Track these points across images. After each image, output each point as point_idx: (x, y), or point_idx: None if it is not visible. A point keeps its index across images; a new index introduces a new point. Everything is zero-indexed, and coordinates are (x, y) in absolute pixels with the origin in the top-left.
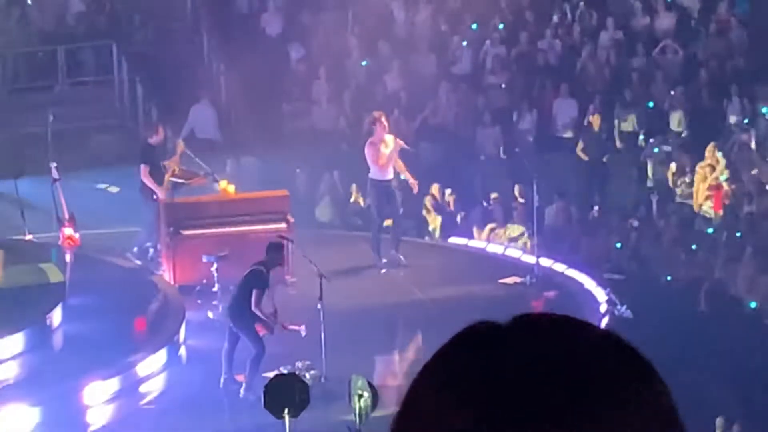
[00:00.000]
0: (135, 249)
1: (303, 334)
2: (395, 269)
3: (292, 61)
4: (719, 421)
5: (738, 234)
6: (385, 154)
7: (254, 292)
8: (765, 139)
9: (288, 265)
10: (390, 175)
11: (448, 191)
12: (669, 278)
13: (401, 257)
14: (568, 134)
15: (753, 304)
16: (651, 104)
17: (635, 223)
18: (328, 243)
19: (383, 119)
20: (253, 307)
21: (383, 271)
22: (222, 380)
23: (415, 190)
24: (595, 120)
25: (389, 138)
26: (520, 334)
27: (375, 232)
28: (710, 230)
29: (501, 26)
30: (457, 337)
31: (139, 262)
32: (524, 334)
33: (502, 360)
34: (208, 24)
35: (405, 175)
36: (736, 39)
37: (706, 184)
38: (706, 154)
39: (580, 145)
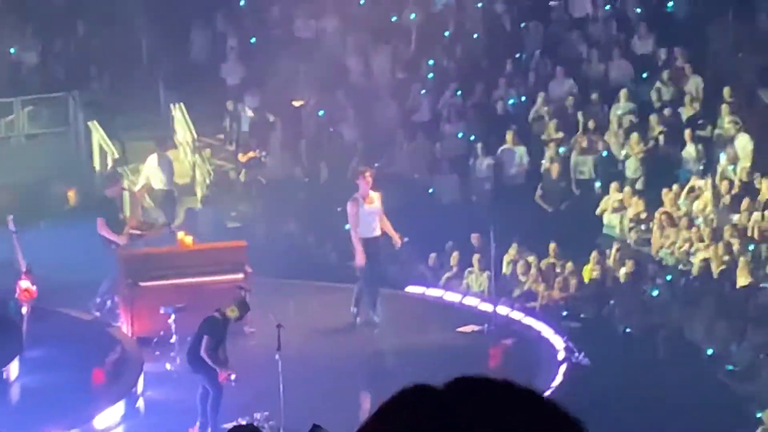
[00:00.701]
0: (97, 300)
1: (232, 377)
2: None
3: (250, 110)
4: None
5: (692, 280)
6: (367, 211)
7: (205, 338)
8: (719, 185)
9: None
10: (376, 232)
11: (405, 239)
12: (626, 326)
13: (376, 317)
14: (520, 181)
15: (710, 351)
16: (605, 153)
17: (595, 272)
18: (287, 293)
19: (367, 175)
20: (201, 352)
21: (358, 321)
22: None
23: (398, 245)
24: (554, 168)
25: (374, 194)
26: (455, 400)
27: (359, 289)
28: (668, 277)
29: (458, 92)
30: (392, 400)
31: (97, 314)
32: (459, 400)
33: (432, 426)
34: (165, 72)
35: (389, 232)
36: (690, 85)
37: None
38: (663, 199)
39: (539, 192)
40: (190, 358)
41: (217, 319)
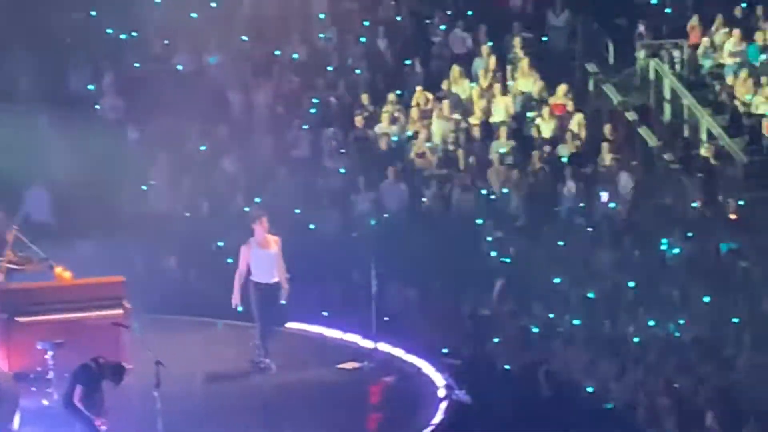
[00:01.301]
0: None
1: (103, 428)
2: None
3: (130, 144)
4: None
5: (573, 318)
6: (262, 256)
7: (78, 387)
8: (601, 223)
9: (125, 352)
10: (274, 278)
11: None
12: (506, 363)
13: (273, 366)
14: (402, 217)
15: (590, 389)
16: (484, 191)
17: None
18: (167, 328)
19: (264, 220)
20: (75, 400)
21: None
22: None
23: (284, 298)
24: (435, 204)
25: (272, 239)
26: None
27: (260, 336)
28: (551, 315)
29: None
30: None
31: None
32: None
33: None
34: (43, 105)
35: (281, 280)
36: (572, 123)
37: None
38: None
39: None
40: (65, 403)
41: (91, 368)
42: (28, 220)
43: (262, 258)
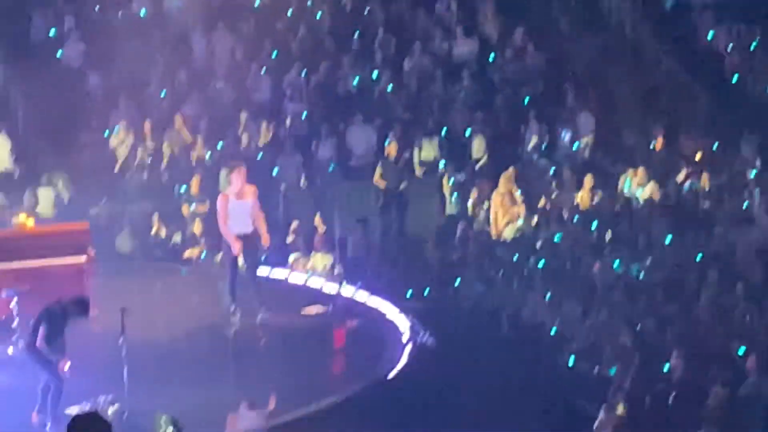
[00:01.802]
0: None
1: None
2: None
3: (91, 90)
4: None
5: (536, 259)
6: (237, 206)
7: (41, 328)
8: (563, 164)
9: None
10: (248, 229)
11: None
12: (470, 306)
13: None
14: (366, 162)
15: (553, 330)
16: (444, 131)
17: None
18: (130, 275)
19: (241, 169)
20: (37, 343)
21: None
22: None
23: (265, 245)
24: (391, 148)
25: (249, 189)
26: None
27: (231, 281)
28: (515, 257)
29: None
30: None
31: None
32: None
33: None
34: (3, 52)
35: (260, 231)
36: (532, 64)
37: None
38: (501, 180)
39: (378, 172)
40: (28, 349)
41: (53, 309)
42: None
43: (239, 208)
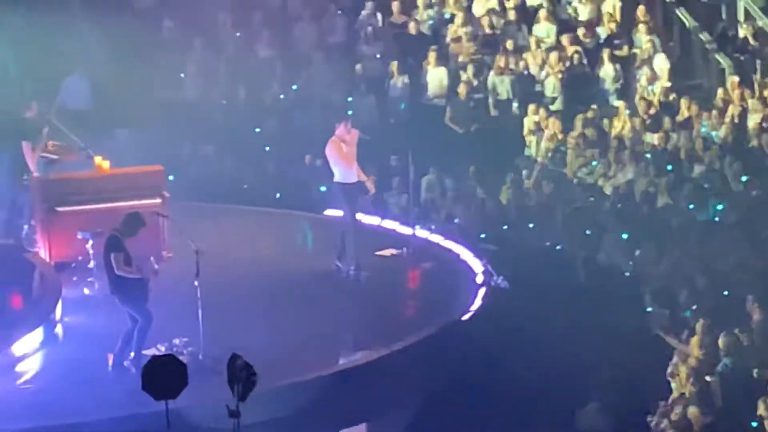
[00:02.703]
0: (25, 226)
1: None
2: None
3: (165, 32)
4: (595, 392)
5: (612, 201)
6: (351, 152)
7: (112, 256)
8: (638, 105)
9: (164, 242)
10: (356, 177)
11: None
12: (545, 247)
13: (362, 273)
14: (439, 103)
15: (628, 272)
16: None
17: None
18: (206, 217)
19: (348, 124)
20: (116, 271)
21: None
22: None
23: (372, 190)
24: (462, 89)
25: (351, 136)
26: None
27: (343, 240)
28: (590, 198)
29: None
30: None
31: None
32: None
33: None
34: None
35: (360, 176)
36: (607, 4)
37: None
38: (576, 122)
39: (448, 113)
40: (111, 287)
41: (114, 236)
42: (65, 109)
43: (350, 156)
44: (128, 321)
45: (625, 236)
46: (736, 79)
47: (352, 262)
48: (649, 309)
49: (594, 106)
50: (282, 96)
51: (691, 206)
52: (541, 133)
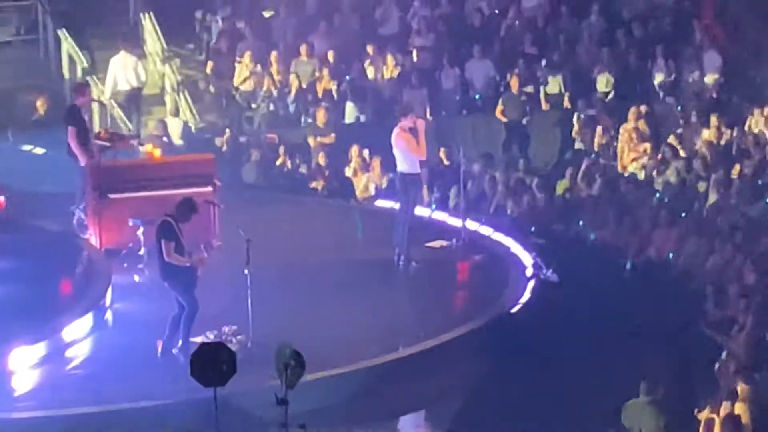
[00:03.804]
0: (75, 210)
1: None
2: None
3: (218, 20)
4: (643, 386)
5: (662, 197)
6: (422, 142)
7: (163, 243)
8: (689, 101)
9: (215, 230)
10: (418, 168)
11: (366, 152)
12: (595, 241)
13: (413, 262)
14: (487, 96)
15: (677, 268)
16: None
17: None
18: (255, 204)
19: (414, 117)
20: (166, 258)
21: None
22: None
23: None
24: (513, 82)
25: (419, 125)
26: None
27: (401, 230)
28: (641, 192)
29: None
30: None
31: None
32: None
33: None
34: None
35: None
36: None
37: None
38: (629, 116)
39: (500, 107)
40: (161, 273)
41: (167, 222)
42: (117, 91)
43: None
44: (176, 307)
45: (675, 232)
46: None
47: (402, 252)
48: (697, 305)
49: (646, 101)
50: (334, 87)
51: (742, 202)
52: (593, 127)
